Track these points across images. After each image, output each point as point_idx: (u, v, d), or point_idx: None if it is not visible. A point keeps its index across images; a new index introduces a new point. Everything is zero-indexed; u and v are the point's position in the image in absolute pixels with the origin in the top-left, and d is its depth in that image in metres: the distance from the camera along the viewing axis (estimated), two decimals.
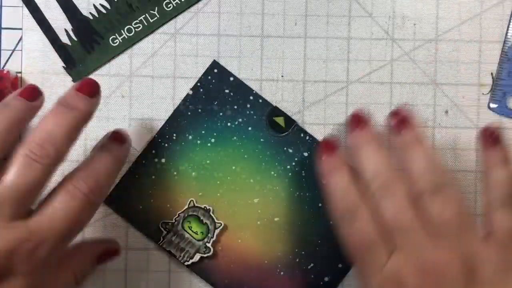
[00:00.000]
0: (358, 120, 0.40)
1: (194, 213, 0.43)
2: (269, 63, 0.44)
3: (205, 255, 0.43)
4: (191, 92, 0.43)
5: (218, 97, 0.43)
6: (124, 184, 0.43)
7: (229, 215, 0.43)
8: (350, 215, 0.37)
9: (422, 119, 0.44)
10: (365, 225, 0.37)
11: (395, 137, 0.39)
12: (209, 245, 0.43)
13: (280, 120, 0.43)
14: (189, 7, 0.43)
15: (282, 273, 0.43)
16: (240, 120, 0.43)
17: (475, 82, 0.44)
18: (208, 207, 0.43)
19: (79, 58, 0.43)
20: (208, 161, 0.43)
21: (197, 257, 0.43)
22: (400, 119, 0.39)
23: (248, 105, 0.43)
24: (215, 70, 0.43)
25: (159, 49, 0.44)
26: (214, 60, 0.43)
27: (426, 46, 0.44)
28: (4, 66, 0.44)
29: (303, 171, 0.43)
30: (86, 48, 0.43)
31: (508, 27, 0.44)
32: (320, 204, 0.43)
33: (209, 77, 0.43)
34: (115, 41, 0.43)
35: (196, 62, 0.44)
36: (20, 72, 0.44)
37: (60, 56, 0.43)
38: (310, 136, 0.43)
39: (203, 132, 0.43)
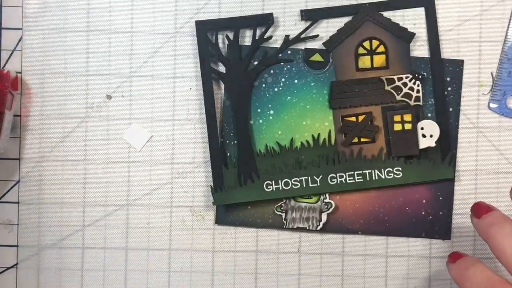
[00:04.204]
0: (484, 207, 0.38)
1: None
2: None
3: (330, 211, 0.43)
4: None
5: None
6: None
7: None
8: None
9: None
10: None
11: (477, 221, 0.38)
12: (327, 199, 0.44)
13: (316, 57, 0.43)
14: (339, 192, 0.44)
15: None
16: (283, 79, 0.44)
17: (475, 82, 0.44)
18: None
19: (228, 186, 0.43)
20: (279, 132, 0.44)
21: (324, 217, 0.44)
22: (482, 207, 0.38)
23: (281, 62, 0.44)
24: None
25: (159, 49, 0.44)
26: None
27: (427, 46, 0.44)
28: (4, 66, 0.44)
29: None
30: (239, 179, 0.43)
31: (508, 27, 0.44)
32: None
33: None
34: (268, 187, 0.43)
35: (196, 62, 0.44)
36: (20, 72, 0.44)
37: (213, 173, 0.43)
38: None
39: (258, 110, 0.44)
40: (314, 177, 0.43)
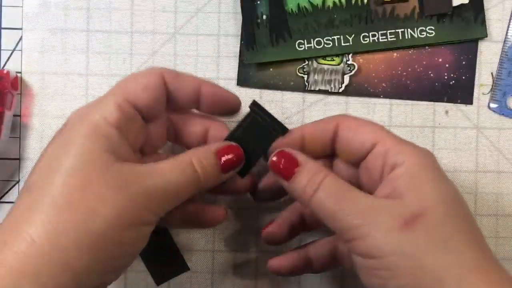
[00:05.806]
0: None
1: None
2: None
3: (352, 73, 0.44)
4: None
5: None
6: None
7: None
8: None
9: (422, 119, 0.44)
10: None
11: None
12: (350, 62, 0.44)
13: None
14: (372, 51, 0.43)
15: None
16: None
17: (475, 82, 0.44)
18: None
19: (260, 45, 0.43)
20: None
21: (346, 79, 0.44)
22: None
23: None
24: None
25: (159, 49, 0.44)
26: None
27: None
28: (4, 66, 0.44)
29: None
30: (272, 39, 0.43)
31: (508, 27, 0.44)
32: None
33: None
34: (300, 46, 0.43)
35: (196, 62, 0.44)
36: (20, 72, 0.44)
37: (245, 34, 0.43)
38: None
39: None
40: (347, 36, 0.43)
